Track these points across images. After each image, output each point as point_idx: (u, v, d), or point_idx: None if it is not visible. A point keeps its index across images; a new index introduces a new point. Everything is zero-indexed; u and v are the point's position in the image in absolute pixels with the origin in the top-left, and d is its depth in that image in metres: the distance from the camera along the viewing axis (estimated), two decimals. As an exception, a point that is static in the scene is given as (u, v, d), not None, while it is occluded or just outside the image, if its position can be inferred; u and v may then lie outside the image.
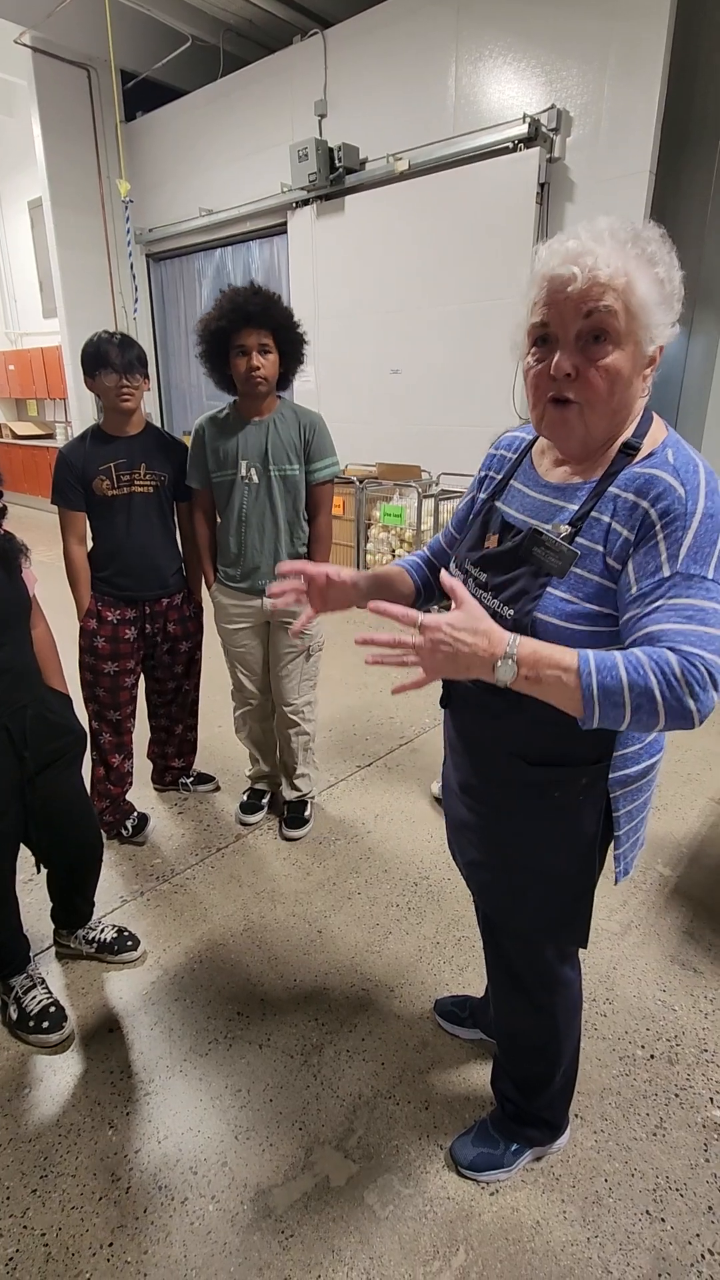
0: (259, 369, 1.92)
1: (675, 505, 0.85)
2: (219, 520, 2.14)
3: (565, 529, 0.93)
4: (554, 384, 0.90)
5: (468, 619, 0.83)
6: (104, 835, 2.27)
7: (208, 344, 1.96)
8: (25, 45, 6.04)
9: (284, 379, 2.04)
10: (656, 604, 0.84)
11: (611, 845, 1.09)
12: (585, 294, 0.85)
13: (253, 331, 1.90)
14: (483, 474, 1.16)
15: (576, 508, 0.94)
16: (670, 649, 0.79)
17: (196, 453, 2.08)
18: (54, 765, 1.54)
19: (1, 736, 1.43)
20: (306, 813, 2.39)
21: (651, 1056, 1.58)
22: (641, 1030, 1.65)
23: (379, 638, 0.88)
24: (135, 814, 2.35)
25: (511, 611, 0.96)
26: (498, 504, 1.08)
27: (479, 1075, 1.54)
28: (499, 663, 0.82)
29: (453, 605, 0.85)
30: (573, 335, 0.87)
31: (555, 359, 0.89)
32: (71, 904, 1.77)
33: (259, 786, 2.46)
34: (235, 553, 2.10)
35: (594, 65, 3.83)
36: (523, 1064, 1.32)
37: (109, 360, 1.93)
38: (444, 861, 2.18)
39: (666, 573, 0.84)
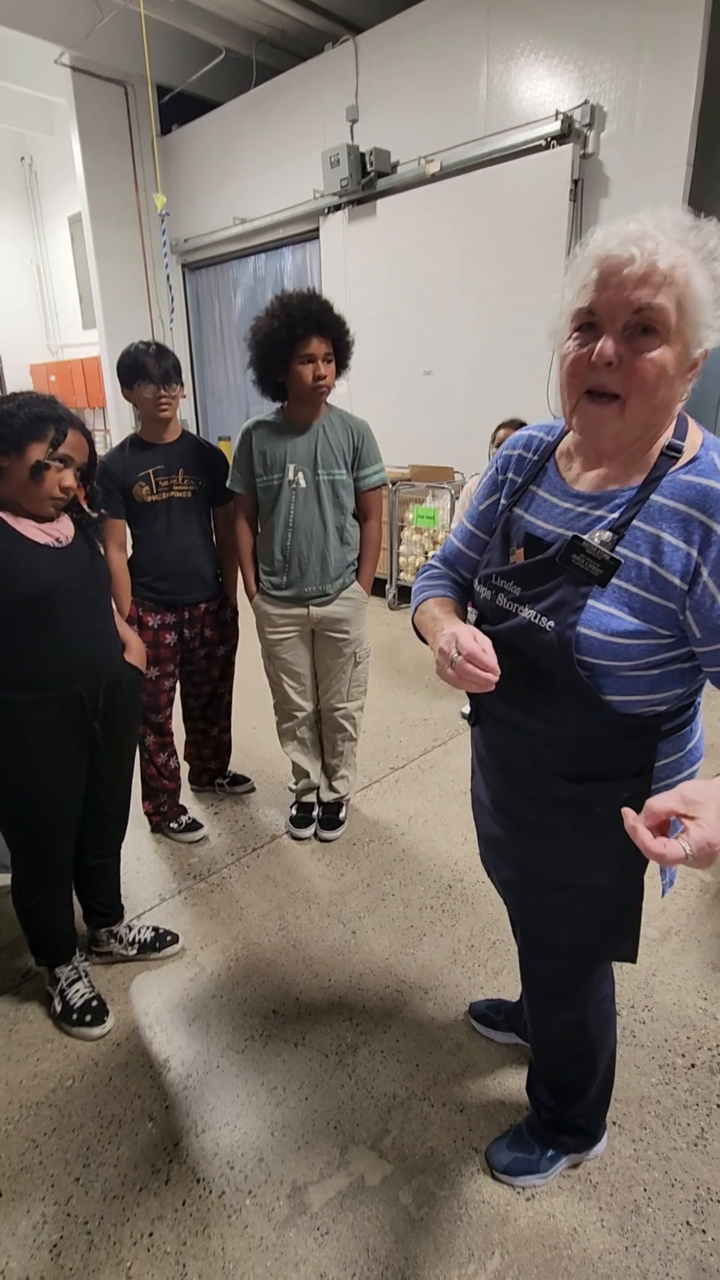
0: (325, 378, 1.93)
1: None
2: (261, 528, 2.14)
3: (607, 535, 0.89)
4: (593, 374, 0.84)
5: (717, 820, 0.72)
6: (150, 824, 2.37)
7: (268, 350, 1.92)
8: (65, 65, 6.21)
9: None
10: None
11: None
12: (641, 280, 0.79)
13: (320, 340, 1.90)
14: (501, 476, 1.09)
15: (616, 515, 0.90)
16: None
17: (243, 456, 2.07)
18: (121, 730, 1.65)
19: (75, 705, 1.51)
20: (342, 814, 2.41)
21: (692, 1065, 1.55)
22: (682, 1039, 1.61)
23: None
24: (188, 817, 2.39)
25: (552, 623, 0.92)
26: (519, 513, 1.03)
27: (514, 1079, 1.53)
28: None
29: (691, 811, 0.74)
30: (620, 325, 0.82)
31: (599, 344, 0.82)
32: (103, 885, 1.80)
33: (306, 800, 2.44)
34: (281, 560, 2.08)
35: (628, 58, 3.78)
36: (557, 1073, 1.31)
37: (147, 371, 1.97)
38: (478, 865, 2.16)
39: None
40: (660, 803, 0.75)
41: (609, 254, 0.81)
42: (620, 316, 0.82)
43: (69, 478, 1.41)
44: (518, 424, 2.47)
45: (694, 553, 0.85)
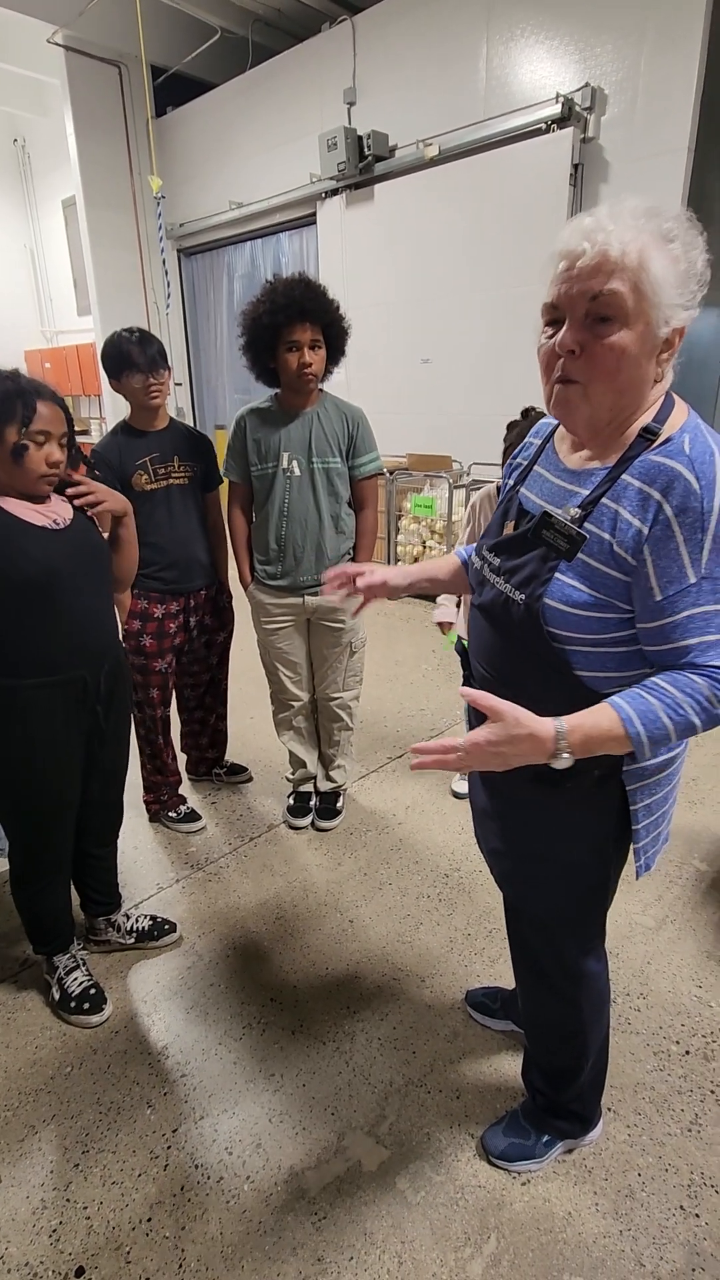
0: (311, 365, 1.90)
1: (691, 501, 0.83)
2: (255, 517, 2.12)
3: (575, 512, 0.93)
4: (559, 362, 0.89)
5: (503, 731, 0.86)
6: (149, 813, 2.38)
7: (255, 336, 1.90)
8: (58, 44, 6.11)
9: (324, 372, 2.02)
10: (684, 613, 0.85)
11: (631, 840, 1.08)
12: (594, 270, 0.83)
13: (306, 327, 1.87)
14: (513, 461, 1.16)
15: (588, 492, 0.94)
16: (696, 671, 0.85)
17: (237, 444, 2.05)
18: (120, 715, 1.64)
19: (77, 690, 1.49)
20: (339, 804, 2.41)
21: (687, 1052, 1.57)
22: (676, 1026, 1.63)
23: (427, 749, 0.91)
24: (187, 807, 2.39)
25: (522, 596, 0.97)
26: (520, 489, 1.08)
27: (510, 1066, 1.54)
28: (554, 759, 0.87)
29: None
30: (581, 314, 0.86)
31: (559, 335, 0.88)
32: (101, 873, 1.80)
33: (304, 789, 2.44)
34: (276, 549, 2.07)
35: (630, 40, 3.72)
36: (550, 1055, 1.32)
37: (132, 360, 1.94)
38: (475, 854, 2.17)
39: (691, 579, 0.85)
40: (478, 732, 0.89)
41: (566, 249, 0.86)
42: (579, 307, 0.86)
43: (55, 451, 1.37)
44: (536, 414, 2.20)
45: (644, 529, 0.87)
